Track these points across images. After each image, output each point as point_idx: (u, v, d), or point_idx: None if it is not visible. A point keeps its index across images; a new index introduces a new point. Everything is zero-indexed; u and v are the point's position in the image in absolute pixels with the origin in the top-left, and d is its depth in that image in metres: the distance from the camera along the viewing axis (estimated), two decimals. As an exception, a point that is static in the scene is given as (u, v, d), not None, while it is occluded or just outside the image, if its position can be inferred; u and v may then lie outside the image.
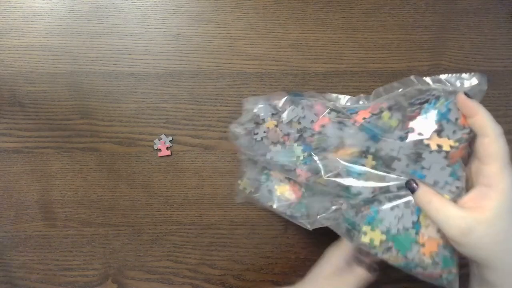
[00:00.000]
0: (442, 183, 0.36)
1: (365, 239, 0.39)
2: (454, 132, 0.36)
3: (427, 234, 0.37)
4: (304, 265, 0.55)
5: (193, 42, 0.56)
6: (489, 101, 0.57)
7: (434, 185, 0.36)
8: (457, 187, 0.35)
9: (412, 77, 0.40)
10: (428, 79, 0.39)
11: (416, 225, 0.37)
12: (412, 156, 0.37)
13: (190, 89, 0.55)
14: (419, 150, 0.36)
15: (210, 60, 0.56)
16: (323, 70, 0.56)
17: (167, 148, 0.55)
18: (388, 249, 0.38)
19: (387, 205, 0.39)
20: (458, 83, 0.38)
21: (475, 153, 0.35)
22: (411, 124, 0.37)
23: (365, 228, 0.39)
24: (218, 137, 0.55)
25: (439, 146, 0.36)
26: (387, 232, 0.38)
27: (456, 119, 0.36)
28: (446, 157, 0.36)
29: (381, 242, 0.38)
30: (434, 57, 0.57)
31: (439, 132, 0.36)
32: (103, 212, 0.55)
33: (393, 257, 0.38)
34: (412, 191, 0.36)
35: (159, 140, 0.55)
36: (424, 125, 0.37)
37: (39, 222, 0.54)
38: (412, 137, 0.37)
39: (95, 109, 0.55)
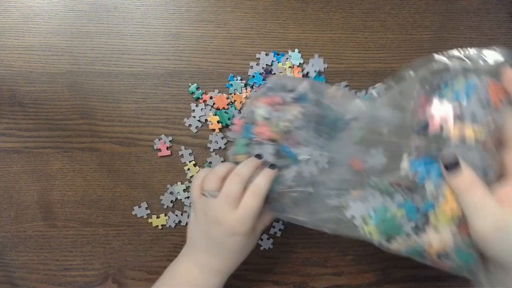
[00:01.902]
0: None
1: (364, 232, 0.37)
2: (483, 115, 0.31)
3: (436, 238, 0.34)
4: (304, 265, 0.55)
5: (193, 42, 0.56)
6: (489, 101, 0.57)
7: None
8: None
9: (435, 56, 0.34)
10: (441, 57, 0.34)
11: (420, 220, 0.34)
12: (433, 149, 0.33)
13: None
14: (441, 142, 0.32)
15: (210, 60, 0.56)
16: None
17: (167, 148, 0.55)
18: (390, 239, 0.36)
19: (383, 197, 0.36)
20: (480, 61, 0.32)
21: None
22: (430, 110, 0.32)
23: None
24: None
25: (463, 136, 0.31)
26: (380, 224, 0.36)
27: (487, 100, 0.31)
28: (477, 148, 0.31)
29: (380, 234, 0.36)
30: (434, 57, 0.57)
31: (461, 117, 0.31)
32: (103, 212, 0.55)
33: (399, 245, 0.36)
34: (451, 169, 0.31)
35: (159, 140, 0.55)
36: (445, 110, 0.32)
37: (39, 222, 0.54)
38: (434, 126, 0.32)
39: (95, 109, 0.55)
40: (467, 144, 0.31)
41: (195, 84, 0.55)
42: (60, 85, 0.55)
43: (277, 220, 0.54)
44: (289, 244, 0.55)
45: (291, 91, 0.43)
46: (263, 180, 0.40)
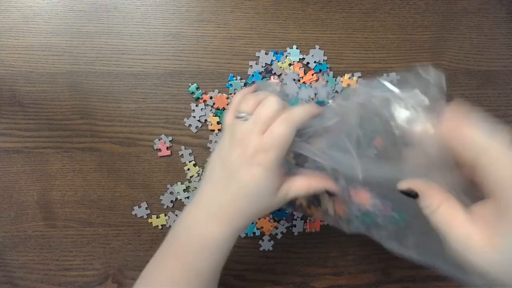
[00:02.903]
0: None
1: None
2: None
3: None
4: (304, 265, 0.55)
5: (193, 42, 0.56)
6: (489, 101, 0.57)
7: None
8: None
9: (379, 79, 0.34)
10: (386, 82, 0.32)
11: None
12: None
13: (190, 89, 0.55)
14: None
15: (210, 60, 0.56)
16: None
17: (167, 148, 0.55)
18: None
19: None
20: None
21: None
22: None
23: None
24: (218, 137, 0.55)
25: None
26: None
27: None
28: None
29: None
30: (434, 57, 0.57)
31: None
32: (103, 212, 0.55)
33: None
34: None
35: (159, 140, 0.55)
36: None
37: (39, 222, 0.54)
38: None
39: (95, 109, 0.55)
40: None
41: (195, 84, 0.55)
42: (60, 85, 0.55)
43: (280, 218, 0.54)
44: (289, 244, 0.55)
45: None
46: (300, 110, 0.36)
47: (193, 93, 0.55)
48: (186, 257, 0.37)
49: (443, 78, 0.30)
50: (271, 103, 0.36)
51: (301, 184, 0.37)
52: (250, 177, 0.35)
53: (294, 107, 0.37)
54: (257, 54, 0.55)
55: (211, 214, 0.37)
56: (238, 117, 0.37)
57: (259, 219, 0.54)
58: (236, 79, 0.55)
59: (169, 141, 0.55)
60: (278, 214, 0.54)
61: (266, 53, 0.55)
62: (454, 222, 0.26)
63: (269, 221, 0.54)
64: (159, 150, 0.55)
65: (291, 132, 0.35)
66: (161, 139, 0.55)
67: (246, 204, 0.36)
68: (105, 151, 0.55)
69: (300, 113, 0.36)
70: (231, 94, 0.55)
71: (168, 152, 0.55)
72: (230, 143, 0.37)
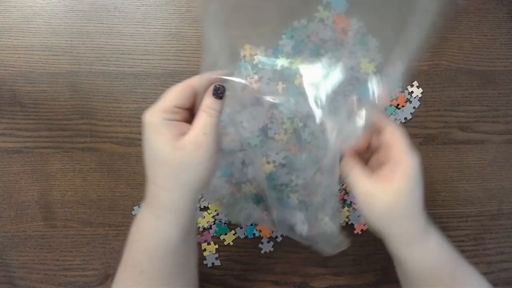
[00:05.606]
0: None
1: None
2: None
3: None
4: (304, 265, 0.55)
5: (193, 42, 0.56)
6: (489, 101, 0.57)
7: None
8: None
9: None
10: None
11: None
12: None
13: (190, 89, 0.55)
14: None
15: (210, 60, 0.56)
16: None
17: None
18: None
19: None
20: None
21: (382, 145, 0.38)
22: None
23: None
24: (218, 137, 0.55)
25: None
26: None
27: None
28: None
29: None
30: (434, 57, 0.57)
31: None
32: (103, 212, 0.55)
33: None
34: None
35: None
36: None
37: (39, 222, 0.54)
38: None
39: (95, 109, 0.55)
40: None
41: (195, 84, 0.55)
42: (60, 85, 0.55)
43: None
44: (289, 244, 0.55)
45: None
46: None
47: None
48: (143, 265, 0.38)
49: None
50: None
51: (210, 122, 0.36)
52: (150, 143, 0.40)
53: None
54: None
55: (149, 207, 0.37)
56: None
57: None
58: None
59: (169, 141, 0.55)
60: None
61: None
62: (358, 185, 0.36)
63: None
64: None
65: (151, 115, 0.38)
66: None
67: (163, 175, 0.37)
68: (105, 151, 0.55)
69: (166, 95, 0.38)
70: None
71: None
72: None
